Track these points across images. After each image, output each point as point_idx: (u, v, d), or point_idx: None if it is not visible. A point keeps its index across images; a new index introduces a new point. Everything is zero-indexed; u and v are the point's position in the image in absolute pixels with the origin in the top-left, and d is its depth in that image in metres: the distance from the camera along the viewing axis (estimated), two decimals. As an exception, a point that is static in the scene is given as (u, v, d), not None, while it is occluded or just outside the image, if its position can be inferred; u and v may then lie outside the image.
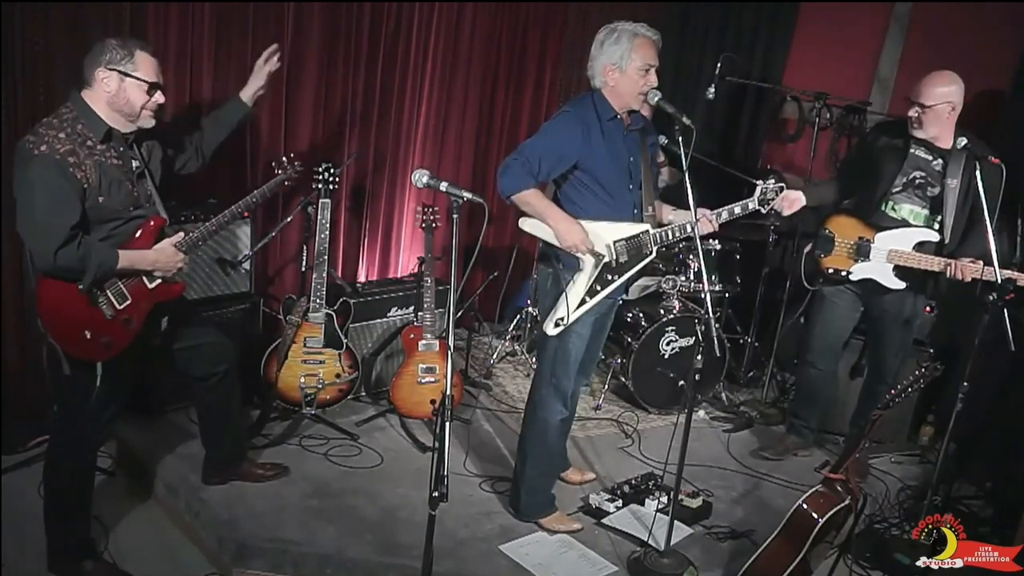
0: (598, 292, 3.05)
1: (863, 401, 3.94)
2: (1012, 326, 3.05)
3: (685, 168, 2.84)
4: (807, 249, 3.75)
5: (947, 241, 3.54)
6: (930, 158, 3.57)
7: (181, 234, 2.78)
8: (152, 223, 2.74)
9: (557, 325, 3.03)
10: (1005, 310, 3.04)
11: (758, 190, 3.15)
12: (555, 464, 3.42)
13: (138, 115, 2.66)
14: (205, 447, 3.27)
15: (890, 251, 3.56)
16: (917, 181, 3.59)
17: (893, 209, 3.63)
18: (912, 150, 3.57)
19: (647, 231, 3.07)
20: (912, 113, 3.49)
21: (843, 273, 3.67)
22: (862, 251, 3.63)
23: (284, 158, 3.37)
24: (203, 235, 2.88)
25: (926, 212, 3.59)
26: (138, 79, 2.61)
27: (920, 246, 3.55)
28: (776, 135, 5.34)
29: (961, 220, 3.54)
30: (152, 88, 2.64)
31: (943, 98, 3.43)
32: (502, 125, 4.99)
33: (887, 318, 3.72)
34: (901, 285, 3.62)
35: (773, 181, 3.15)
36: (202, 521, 3.11)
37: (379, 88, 4.34)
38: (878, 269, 3.63)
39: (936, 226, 3.57)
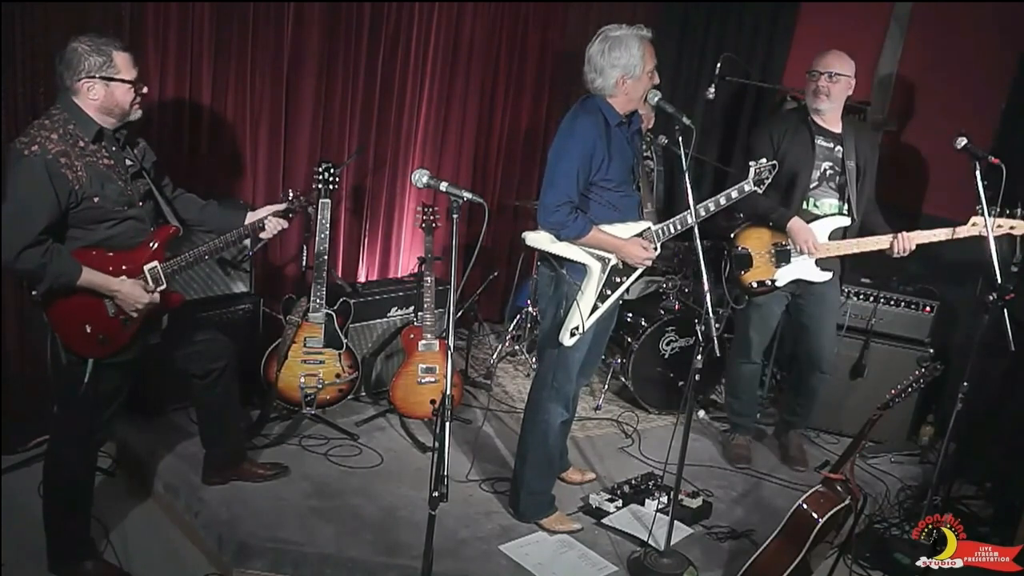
0: (608, 296, 3.06)
1: (803, 394, 3.96)
2: (1012, 326, 3.05)
3: (685, 168, 2.84)
4: (726, 274, 3.74)
5: (856, 221, 3.61)
6: (832, 146, 3.61)
7: (156, 262, 2.72)
8: (160, 234, 2.74)
9: (573, 335, 3.00)
10: (1005, 310, 3.05)
11: (751, 171, 3.02)
12: (555, 465, 3.41)
13: (128, 112, 2.67)
14: (205, 447, 3.27)
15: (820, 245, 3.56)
16: (828, 173, 3.62)
17: (815, 206, 3.64)
18: (817, 141, 3.59)
19: (649, 228, 3.06)
20: (821, 84, 3.51)
21: (768, 282, 3.67)
22: (782, 257, 3.64)
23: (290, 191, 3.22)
24: (178, 266, 2.80)
25: (838, 201, 3.64)
26: (122, 81, 2.60)
27: (833, 233, 3.59)
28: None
29: (861, 198, 3.61)
30: (137, 83, 2.64)
31: (850, 70, 3.51)
32: (502, 125, 4.99)
33: (822, 308, 3.74)
34: (827, 276, 3.66)
35: (765, 160, 3.04)
36: (202, 521, 3.11)
37: (379, 88, 4.33)
38: (801, 268, 3.65)
39: (845, 210, 3.63)
